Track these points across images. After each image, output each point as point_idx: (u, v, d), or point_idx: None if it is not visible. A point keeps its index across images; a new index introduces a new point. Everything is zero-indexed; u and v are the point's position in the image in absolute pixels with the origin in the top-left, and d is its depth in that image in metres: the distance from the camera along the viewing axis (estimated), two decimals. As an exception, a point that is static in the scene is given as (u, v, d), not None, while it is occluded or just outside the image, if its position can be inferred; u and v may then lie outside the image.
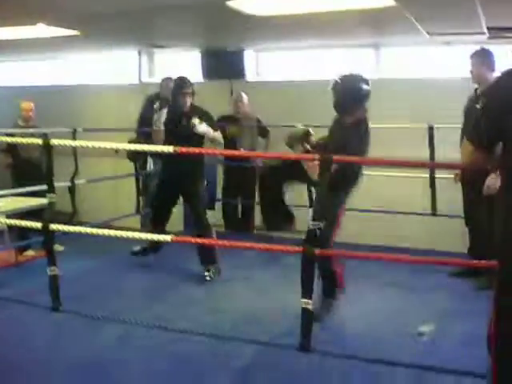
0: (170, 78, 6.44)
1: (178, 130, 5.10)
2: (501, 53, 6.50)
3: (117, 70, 8.31)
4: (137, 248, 5.71)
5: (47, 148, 3.33)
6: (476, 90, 4.97)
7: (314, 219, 2.94)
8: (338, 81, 4.10)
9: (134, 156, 6.22)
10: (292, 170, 4.29)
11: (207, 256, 5.15)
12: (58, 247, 6.24)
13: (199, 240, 3.17)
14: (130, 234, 3.17)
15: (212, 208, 6.82)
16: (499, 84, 2.10)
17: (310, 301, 2.97)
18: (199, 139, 5.14)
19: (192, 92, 5.31)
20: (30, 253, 6.09)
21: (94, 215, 6.91)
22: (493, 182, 4.41)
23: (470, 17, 5.14)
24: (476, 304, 4.56)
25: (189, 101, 5.27)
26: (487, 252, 4.61)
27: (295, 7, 4.91)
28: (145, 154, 6.21)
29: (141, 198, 6.49)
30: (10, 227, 5.57)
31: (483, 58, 4.90)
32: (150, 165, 6.39)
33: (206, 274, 5.21)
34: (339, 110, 4.10)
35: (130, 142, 6.03)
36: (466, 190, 5.12)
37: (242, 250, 5.22)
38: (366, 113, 4.19)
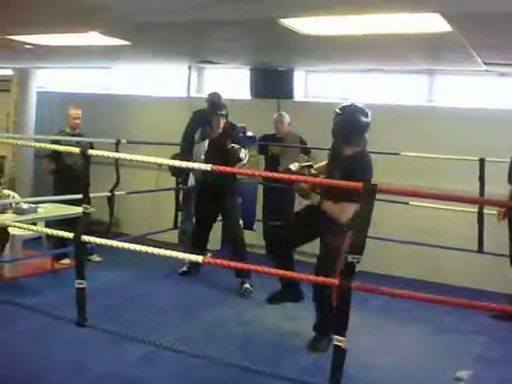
0: (218, 94, 6.42)
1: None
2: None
3: (166, 83, 8.33)
4: (184, 268, 5.81)
5: (85, 158, 3.29)
6: None
7: (353, 252, 2.80)
8: (339, 112, 4.15)
9: (176, 170, 6.17)
10: None
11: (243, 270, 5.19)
12: (95, 258, 6.31)
13: (231, 264, 3.06)
14: (162, 252, 3.08)
15: (250, 228, 6.73)
16: None
17: (343, 338, 2.82)
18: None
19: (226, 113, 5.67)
20: (66, 261, 6.11)
21: (134, 227, 6.90)
22: None
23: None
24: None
25: (222, 123, 5.67)
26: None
27: (348, 28, 4.80)
28: (187, 169, 6.15)
29: (179, 213, 6.42)
30: (48, 234, 5.56)
31: None
32: (192, 180, 6.33)
33: (245, 285, 5.46)
34: (339, 140, 4.17)
35: (173, 156, 5.99)
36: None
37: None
38: (366, 145, 4.21)
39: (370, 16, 4.32)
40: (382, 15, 4.26)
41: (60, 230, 3.77)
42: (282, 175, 3.24)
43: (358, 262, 2.81)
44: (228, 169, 3.54)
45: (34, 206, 5.52)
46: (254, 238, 6.71)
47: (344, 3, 3.95)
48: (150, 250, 3.10)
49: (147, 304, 4.99)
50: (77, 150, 3.36)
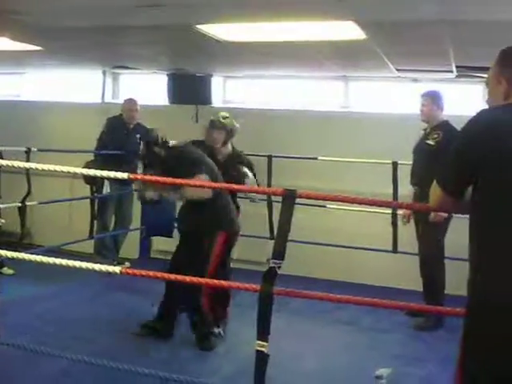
0: (133, 100, 6.33)
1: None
2: (467, 91, 6.61)
3: (80, 89, 8.10)
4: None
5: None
6: (425, 128, 5.12)
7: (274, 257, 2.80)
8: None
9: (90, 178, 6.00)
10: None
11: None
12: (6, 270, 6.03)
13: (151, 274, 2.98)
14: (77, 264, 2.97)
15: (170, 236, 6.64)
16: (475, 128, 1.93)
17: (265, 343, 2.80)
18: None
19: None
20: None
21: (47, 238, 6.65)
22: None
23: (441, 55, 5.16)
24: (434, 346, 4.52)
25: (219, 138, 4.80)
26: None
27: (265, 35, 4.83)
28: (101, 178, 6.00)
29: (95, 222, 6.25)
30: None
31: (434, 97, 5.06)
32: (107, 188, 6.17)
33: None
34: None
35: (87, 163, 5.83)
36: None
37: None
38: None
39: (285, 23, 4.37)
40: (297, 22, 4.33)
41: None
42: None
43: (279, 267, 2.81)
44: (145, 177, 3.48)
45: None
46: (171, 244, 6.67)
47: (258, 10, 3.98)
48: (60, 261, 2.98)
49: (62, 317, 4.80)
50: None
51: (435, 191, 2.06)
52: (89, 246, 6.36)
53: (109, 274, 5.40)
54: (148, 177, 3.72)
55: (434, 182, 2.07)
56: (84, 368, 3.67)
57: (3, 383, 3.47)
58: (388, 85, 6.93)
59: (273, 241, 5.74)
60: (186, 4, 3.94)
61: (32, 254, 3.31)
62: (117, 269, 3.01)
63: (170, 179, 3.26)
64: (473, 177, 1.91)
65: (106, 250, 6.36)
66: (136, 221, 6.67)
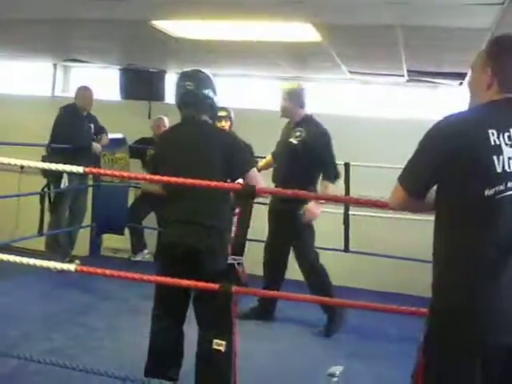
0: (88, 87, 6.19)
1: None
2: (418, 95, 6.78)
3: (29, 82, 7.89)
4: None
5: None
6: (289, 122, 4.88)
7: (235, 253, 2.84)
8: None
9: (48, 172, 5.88)
10: None
11: None
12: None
13: (107, 272, 2.95)
14: (32, 262, 2.91)
15: (121, 233, 6.59)
16: (443, 130, 1.93)
17: (223, 342, 2.82)
18: None
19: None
20: None
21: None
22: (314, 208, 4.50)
23: (393, 59, 5.27)
24: (381, 344, 4.63)
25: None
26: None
27: (220, 34, 4.84)
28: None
29: (50, 216, 6.11)
30: None
31: (294, 93, 4.80)
32: (65, 181, 6.04)
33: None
34: None
35: (44, 157, 5.73)
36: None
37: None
38: None
39: (242, 22, 4.39)
40: (254, 22, 4.35)
41: None
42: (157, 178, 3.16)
43: (238, 264, 2.84)
44: (101, 171, 3.45)
45: None
46: (121, 241, 6.67)
47: (216, 8, 3.98)
48: (13, 258, 2.92)
49: (12, 315, 4.68)
50: None
51: (398, 192, 2.03)
52: (38, 243, 6.18)
53: (61, 271, 5.42)
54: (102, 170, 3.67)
55: (396, 182, 2.05)
56: (35, 368, 3.60)
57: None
58: (339, 87, 7.04)
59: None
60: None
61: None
62: (71, 266, 2.96)
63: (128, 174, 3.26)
64: (437, 178, 1.94)
65: (59, 246, 6.21)
66: (86, 217, 6.56)
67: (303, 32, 4.48)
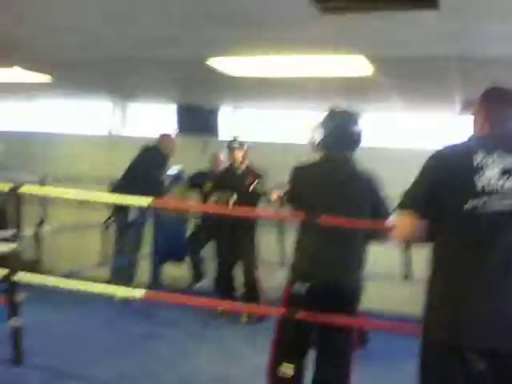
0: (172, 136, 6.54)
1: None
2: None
3: (88, 120, 8.16)
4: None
5: (16, 195, 3.20)
6: None
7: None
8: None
9: (115, 206, 6.13)
10: None
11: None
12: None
13: (173, 298, 3.02)
14: (102, 288, 3.01)
15: (181, 260, 6.72)
16: (437, 157, 2.24)
17: (292, 366, 2.86)
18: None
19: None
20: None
21: (57, 265, 6.62)
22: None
23: (446, 89, 5.25)
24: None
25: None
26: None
27: (273, 71, 4.92)
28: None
29: (114, 246, 6.31)
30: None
31: None
32: (133, 214, 6.22)
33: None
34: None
35: (112, 190, 6.02)
36: None
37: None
38: None
39: (295, 58, 4.46)
40: (307, 57, 4.42)
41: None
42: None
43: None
44: (169, 202, 3.52)
45: None
46: (181, 270, 6.80)
47: (270, 44, 4.07)
48: (88, 286, 3.02)
49: (79, 342, 4.82)
50: (6, 186, 3.28)
51: (404, 219, 2.22)
52: (102, 274, 6.28)
53: (123, 300, 5.56)
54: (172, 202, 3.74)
55: (396, 213, 2.26)
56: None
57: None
58: (394, 116, 7.03)
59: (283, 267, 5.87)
60: (199, 39, 4.04)
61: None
62: (137, 293, 3.04)
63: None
64: (431, 197, 2.18)
65: (124, 275, 6.36)
66: (146, 247, 6.72)
67: (355, 65, 4.52)
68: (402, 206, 2.22)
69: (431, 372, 2.13)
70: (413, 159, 3.06)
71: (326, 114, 3.26)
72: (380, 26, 3.44)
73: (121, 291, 3.20)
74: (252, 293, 5.96)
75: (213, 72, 4.92)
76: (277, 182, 5.65)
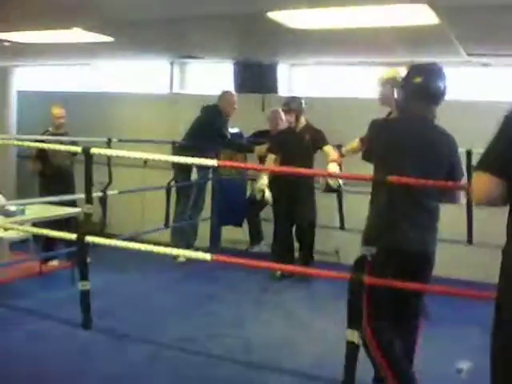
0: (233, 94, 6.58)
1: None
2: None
3: (147, 80, 8.21)
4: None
5: (87, 157, 3.27)
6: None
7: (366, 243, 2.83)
8: None
9: (177, 167, 6.24)
10: None
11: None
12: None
13: (240, 260, 3.05)
14: (169, 250, 3.07)
15: (239, 225, 6.74)
16: None
17: (356, 332, 2.83)
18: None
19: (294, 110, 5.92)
20: (54, 263, 6.04)
21: (122, 227, 6.78)
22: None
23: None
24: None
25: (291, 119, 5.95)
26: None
27: (336, 22, 4.79)
28: (189, 165, 6.09)
29: (175, 209, 6.40)
30: (35, 236, 5.48)
31: (395, 81, 4.64)
32: (195, 175, 6.31)
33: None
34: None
35: (174, 151, 6.10)
36: None
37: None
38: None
39: (357, 8, 4.33)
40: (370, 7, 4.28)
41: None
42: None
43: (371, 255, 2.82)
44: (235, 164, 3.53)
45: (21, 207, 5.42)
46: (240, 233, 6.81)
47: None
48: (157, 249, 3.08)
49: (144, 304, 4.96)
50: (78, 149, 3.35)
51: (481, 179, 2.03)
52: (164, 236, 6.38)
53: (183, 262, 5.64)
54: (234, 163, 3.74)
55: (476, 173, 2.05)
56: (171, 354, 3.79)
57: (92, 368, 3.60)
58: (456, 70, 6.75)
59: (342, 231, 5.82)
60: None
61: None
62: (207, 256, 3.08)
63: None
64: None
65: (185, 237, 6.46)
66: (206, 210, 6.79)
67: (419, 14, 4.36)
68: (479, 166, 2.04)
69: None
70: (490, 112, 2.99)
71: (408, 68, 3.13)
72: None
73: (192, 253, 3.24)
74: (309, 256, 6.03)
75: (274, 25, 4.83)
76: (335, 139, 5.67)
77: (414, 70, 3.09)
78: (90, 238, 3.30)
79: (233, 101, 6.51)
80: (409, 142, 2.96)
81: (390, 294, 2.88)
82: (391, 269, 2.85)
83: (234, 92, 6.68)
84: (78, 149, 3.35)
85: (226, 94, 6.56)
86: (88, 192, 3.44)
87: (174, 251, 3.15)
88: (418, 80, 2.98)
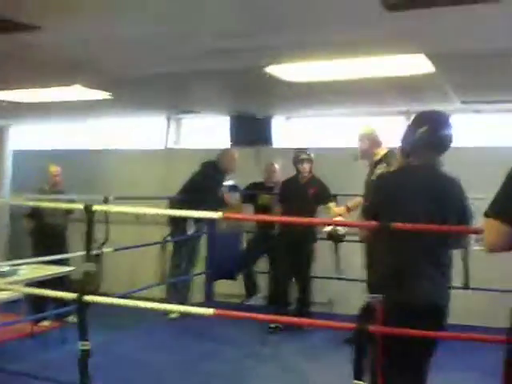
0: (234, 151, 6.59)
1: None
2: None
3: (142, 136, 8.25)
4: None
5: (89, 214, 3.23)
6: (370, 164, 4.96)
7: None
8: None
9: (173, 221, 6.18)
10: None
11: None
12: (73, 319, 6.05)
13: (240, 314, 2.96)
14: (169, 307, 2.98)
15: (233, 278, 6.64)
16: None
17: (362, 383, 2.75)
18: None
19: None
20: (45, 323, 5.90)
21: (116, 285, 6.62)
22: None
23: (508, 85, 5.08)
24: None
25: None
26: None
27: (334, 74, 4.83)
28: (185, 219, 6.15)
29: (170, 264, 6.30)
30: (27, 296, 5.36)
31: (370, 136, 4.98)
32: (191, 229, 6.26)
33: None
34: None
35: (171, 206, 6.07)
36: None
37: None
38: None
39: (353, 60, 4.37)
40: (366, 58, 4.32)
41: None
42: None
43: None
44: (239, 216, 3.50)
45: (14, 267, 5.30)
46: (234, 286, 6.70)
47: (330, 47, 3.99)
48: (157, 305, 2.99)
49: (141, 361, 4.81)
50: (80, 205, 3.30)
51: (492, 226, 1.99)
52: (155, 292, 6.21)
53: (176, 318, 5.47)
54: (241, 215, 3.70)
55: (485, 219, 2.02)
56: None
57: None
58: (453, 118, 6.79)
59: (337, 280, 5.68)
60: (254, 48, 3.99)
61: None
62: (210, 310, 2.99)
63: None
64: None
65: (179, 293, 6.35)
66: (200, 264, 6.70)
67: (415, 64, 4.40)
68: (491, 212, 2.01)
69: None
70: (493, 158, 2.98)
71: (415, 116, 3.06)
72: (441, 21, 3.34)
73: (192, 309, 3.15)
74: (306, 307, 5.96)
75: (272, 79, 4.88)
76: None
77: (420, 118, 3.02)
78: (89, 298, 3.20)
79: (234, 158, 6.51)
80: (420, 190, 2.88)
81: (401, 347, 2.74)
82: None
83: (233, 148, 6.70)
84: (80, 206, 3.29)
85: (227, 150, 6.60)
86: (89, 250, 3.36)
87: (175, 307, 3.03)
88: (425, 128, 2.92)
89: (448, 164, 4.04)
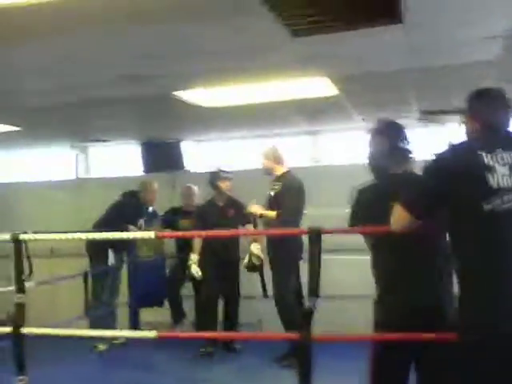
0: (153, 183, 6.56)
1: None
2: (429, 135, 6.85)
3: (53, 166, 8.08)
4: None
5: (17, 244, 3.16)
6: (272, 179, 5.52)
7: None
8: None
9: (93, 251, 6.13)
10: None
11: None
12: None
13: (183, 335, 3.01)
14: (110, 333, 2.99)
15: (160, 305, 6.59)
16: (441, 164, 2.33)
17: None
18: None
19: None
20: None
21: (36, 320, 6.41)
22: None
23: (403, 101, 5.43)
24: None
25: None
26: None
27: (242, 98, 5.00)
28: (105, 249, 6.08)
29: (92, 296, 6.12)
30: None
31: (270, 154, 5.53)
32: (112, 260, 6.19)
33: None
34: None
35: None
36: None
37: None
38: None
39: (259, 84, 4.55)
40: (272, 83, 4.51)
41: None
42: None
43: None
44: (173, 234, 3.51)
45: None
46: (160, 314, 6.62)
47: (240, 73, 4.15)
48: (100, 333, 2.96)
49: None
50: (6, 236, 3.24)
51: (401, 213, 2.38)
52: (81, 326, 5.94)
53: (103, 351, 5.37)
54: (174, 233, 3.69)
55: (397, 206, 2.39)
56: None
57: None
58: (355, 134, 7.11)
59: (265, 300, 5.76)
60: (163, 75, 4.09)
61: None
62: (152, 333, 2.99)
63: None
64: (440, 203, 2.32)
65: (104, 325, 6.19)
66: (123, 294, 6.58)
67: (320, 87, 4.63)
68: (405, 204, 2.38)
69: None
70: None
71: (372, 129, 3.01)
72: (344, 46, 3.56)
73: (135, 333, 3.15)
74: (233, 326, 5.95)
75: (180, 104, 4.96)
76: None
77: (377, 130, 2.98)
78: (26, 330, 3.12)
79: (154, 189, 6.54)
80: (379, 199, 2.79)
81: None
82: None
83: (153, 180, 6.67)
84: (7, 236, 3.23)
85: (146, 182, 6.58)
86: (21, 281, 3.29)
87: (117, 333, 3.04)
88: (384, 139, 2.87)
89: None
